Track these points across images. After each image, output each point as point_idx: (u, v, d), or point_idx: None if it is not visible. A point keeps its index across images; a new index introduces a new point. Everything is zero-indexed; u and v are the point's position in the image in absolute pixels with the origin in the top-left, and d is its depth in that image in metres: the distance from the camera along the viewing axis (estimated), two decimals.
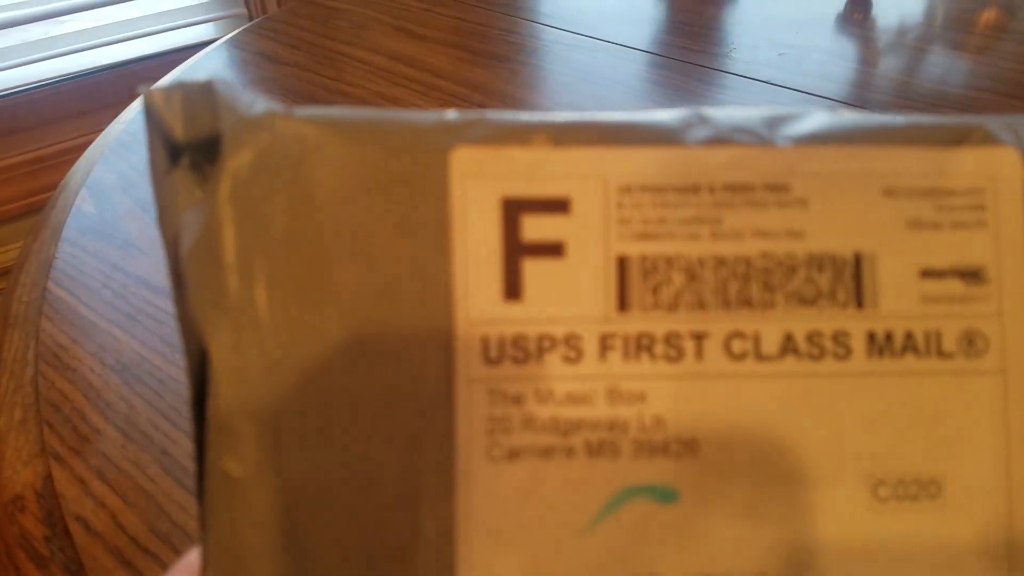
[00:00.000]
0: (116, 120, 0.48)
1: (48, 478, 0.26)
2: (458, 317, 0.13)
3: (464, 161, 0.13)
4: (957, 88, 0.47)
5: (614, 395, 0.13)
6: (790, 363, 0.13)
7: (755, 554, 0.13)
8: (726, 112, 0.14)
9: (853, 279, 0.13)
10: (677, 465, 0.13)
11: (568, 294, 0.13)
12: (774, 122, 0.14)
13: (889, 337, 0.13)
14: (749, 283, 0.13)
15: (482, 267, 0.13)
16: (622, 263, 0.13)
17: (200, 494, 0.12)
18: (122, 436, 0.28)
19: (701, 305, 0.13)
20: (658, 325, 0.13)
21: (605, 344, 0.13)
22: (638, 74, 0.50)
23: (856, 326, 0.13)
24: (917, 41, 0.53)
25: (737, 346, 0.13)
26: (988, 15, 0.57)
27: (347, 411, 0.12)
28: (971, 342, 0.13)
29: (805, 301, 0.13)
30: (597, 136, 0.13)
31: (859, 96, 0.46)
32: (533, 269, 0.13)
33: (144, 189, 0.41)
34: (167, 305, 0.33)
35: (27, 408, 0.29)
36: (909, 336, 0.13)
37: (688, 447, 0.13)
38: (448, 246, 0.13)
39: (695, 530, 0.13)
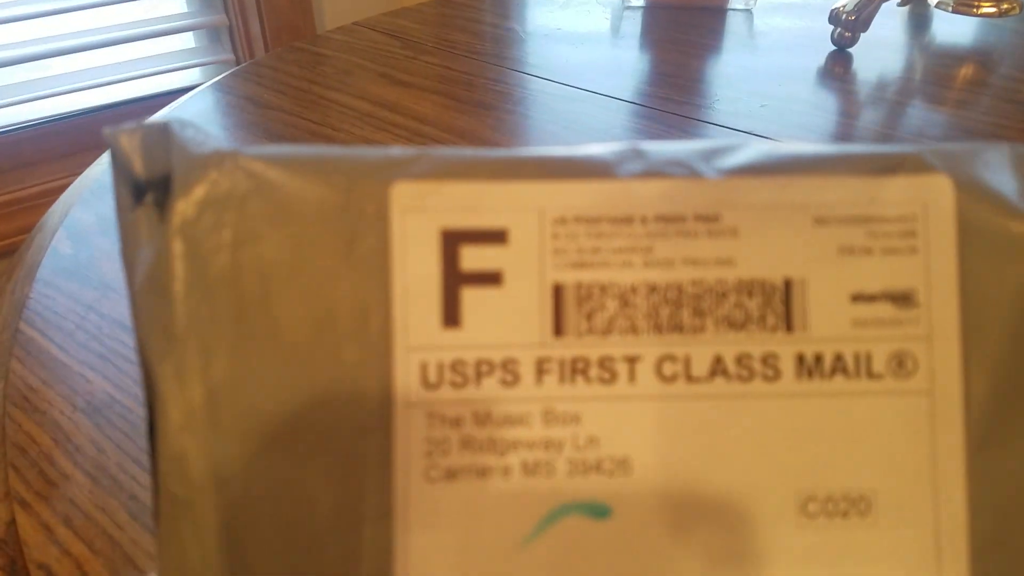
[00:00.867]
0: (97, 162, 0.48)
1: (12, 524, 0.25)
2: (397, 344, 0.13)
3: (404, 195, 0.13)
4: (936, 140, 0.48)
5: (550, 416, 0.13)
6: (720, 385, 0.13)
7: (685, 568, 0.13)
8: (661, 146, 0.14)
9: (783, 304, 0.13)
10: (610, 483, 0.13)
11: (506, 320, 0.13)
12: (709, 155, 0.14)
13: (819, 359, 0.13)
14: (680, 309, 0.13)
15: (421, 296, 0.13)
16: (557, 291, 0.13)
17: (155, 515, 0.13)
18: (90, 481, 0.26)
19: (634, 330, 0.13)
20: (592, 349, 0.13)
21: (541, 368, 0.13)
22: (622, 124, 0.50)
23: (785, 349, 0.13)
24: (897, 95, 0.54)
25: (668, 369, 0.13)
26: (966, 70, 0.58)
27: (287, 434, 0.13)
28: (901, 363, 0.13)
29: (735, 325, 0.13)
30: (533, 170, 0.14)
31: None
32: (471, 297, 0.13)
33: None
34: None
35: None
36: (839, 358, 0.13)
37: (621, 466, 0.13)
38: (388, 276, 0.13)
39: (628, 546, 0.13)
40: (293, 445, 0.13)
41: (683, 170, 0.14)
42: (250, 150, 0.13)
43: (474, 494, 0.13)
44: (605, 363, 0.13)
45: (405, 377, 0.13)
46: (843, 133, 0.49)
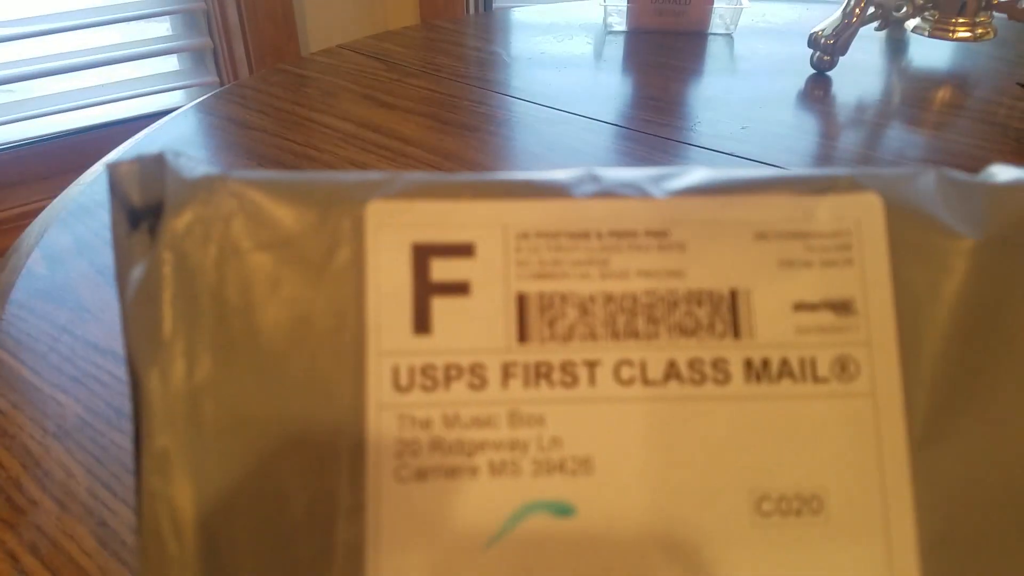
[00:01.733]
0: (76, 183, 0.47)
1: None
2: (370, 349, 0.14)
3: (378, 213, 0.14)
4: (915, 162, 0.48)
5: (515, 418, 0.14)
6: (674, 387, 0.14)
7: (647, 564, 0.13)
8: (616, 171, 0.15)
9: (730, 312, 0.14)
10: (574, 482, 0.14)
11: (473, 328, 0.14)
12: (658, 179, 0.15)
13: (766, 363, 0.14)
14: (635, 316, 0.14)
15: (394, 304, 0.14)
16: (521, 300, 0.14)
17: (137, 512, 0.13)
18: (59, 507, 0.26)
19: (593, 336, 0.14)
20: (555, 355, 0.14)
21: (507, 372, 0.14)
22: (605, 146, 0.50)
23: (734, 354, 0.14)
24: (876, 117, 0.55)
25: (626, 372, 0.14)
26: (943, 93, 0.59)
27: (265, 434, 0.13)
28: (844, 367, 0.14)
29: (686, 332, 0.14)
30: (498, 191, 0.15)
31: (815, 166, 0.47)
32: (441, 306, 0.14)
33: (101, 253, 0.40)
34: (115, 369, 0.32)
35: None
36: (785, 362, 0.14)
37: (584, 465, 0.14)
38: (362, 286, 0.14)
39: (591, 543, 0.13)
40: (270, 444, 0.13)
41: (634, 191, 0.15)
42: (237, 174, 0.14)
43: (443, 493, 0.13)
44: (567, 367, 0.14)
45: (377, 380, 0.14)
46: (824, 154, 0.49)
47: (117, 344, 0.33)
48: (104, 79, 1.00)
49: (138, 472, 0.13)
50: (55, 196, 0.48)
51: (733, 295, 0.14)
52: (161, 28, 1.03)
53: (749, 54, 0.67)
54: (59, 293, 0.36)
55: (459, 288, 0.14)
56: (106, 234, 0.41)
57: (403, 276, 0.14)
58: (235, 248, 0.14)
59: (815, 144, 0.51)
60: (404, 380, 0.14)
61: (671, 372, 0.14)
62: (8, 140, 0.94)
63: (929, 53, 0.67)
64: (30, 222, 0.47)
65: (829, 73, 0.63)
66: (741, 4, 0.72)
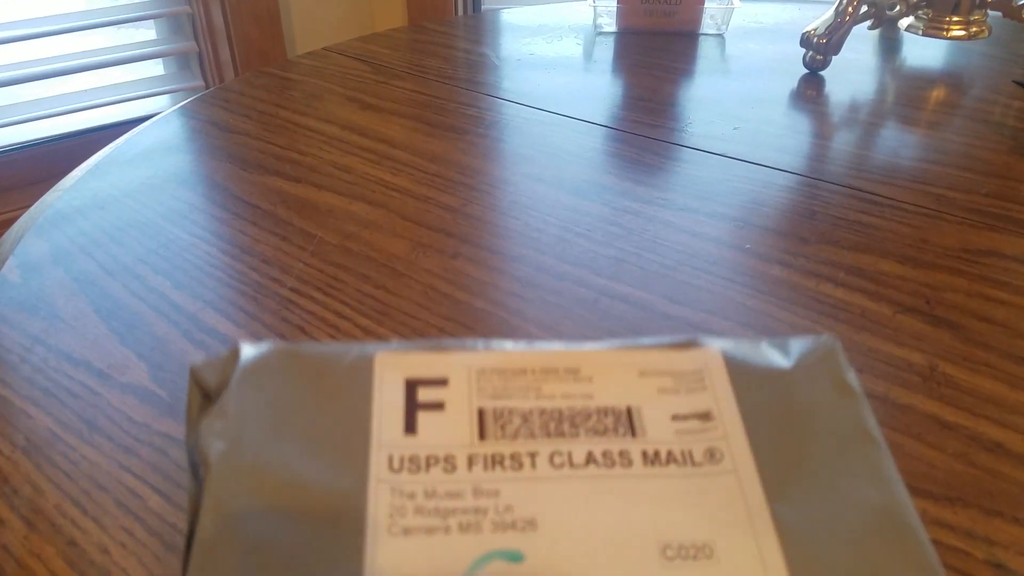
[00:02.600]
0: (54, 189, 0.46)
1: None
2: (372, 442, 0.20)
3: (384, 360, 0.22)
4: (910, 161, 0.47)
5: (478, 492, 0.19)
6: (592, 469, 0.20)
7: None
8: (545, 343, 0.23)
9: (627, 421, 0.21)
10: (522, 537, 0.18)
11: (446, 431, 0.20)
12: (571, 344, 0.23)
13: (657, 454, 0.20)
14: (562, 423, 0.21)
15: (391, 416, 0.20)
16: (481, 412, 0.21)
17: (185, 556, 0.18)
18: (26, 526, 0.25)
19: (532, 435, 0.20)
20: (506, 448, 0.20)
21: (471, 460, 0.20)
22: (596, 147, 0.50)
23: (633, 447, 0.20)
24: (870, 116, 0.54)
25: (557, 460, 0.20)
26: (938, 92, 0.58)
27: (293, 497, 0.19)
28: (712, 455, 0.20)
29: (598, 433, 0.20)
30: (462, 347, 0.22)
31: (814, 168, 0.46)
32: (424, 417, 0.21)
33: (78, 261, 0.38)
34: (88, 379, 0.31)
35: None
36: (670, 453, 0.20)
37: (530, 524, 0.18)
38: (369, 405, 0.21)
39: None
40: (296, 505, 0.18)
41: (557, 345, 0.23)
42: (282, 344, 0.22)
43: (424, 545, 0.18)
44: (515, 457, 0.20)
45: (377, 463, 0.19)
46: (817, 154, 0.48)
47: (91, 355, 0.32)
48: (89, 84, 0.98)
49: (193, 518, 0.19)
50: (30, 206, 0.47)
51: (629, 410, 0.21)
52: (146, 33, 1.02)
53: (741, 54, 0.67)
54: (33, 302, 0.35)
55: (437, 406, 0.21)
56: (83, 241, 0.40)
57: (398, 398, 0.21)
58: (284, 383, 0.21)
59: (808, 144, 0.50)
60: (396, 464, 0.19)
61: (590, 459, 0.20)
62: None
63: (923, 52, 0.67)
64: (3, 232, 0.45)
65: (822, 73, 0.62)
66: (732, 4, 0.71)
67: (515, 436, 0.20)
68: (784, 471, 0.20)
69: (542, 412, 0.21)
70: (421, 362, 0.22)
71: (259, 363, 0.21)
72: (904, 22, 0.66)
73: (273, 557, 0.18)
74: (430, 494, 0.19)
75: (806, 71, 0.62)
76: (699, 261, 0.37)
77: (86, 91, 0.98)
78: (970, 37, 0.62)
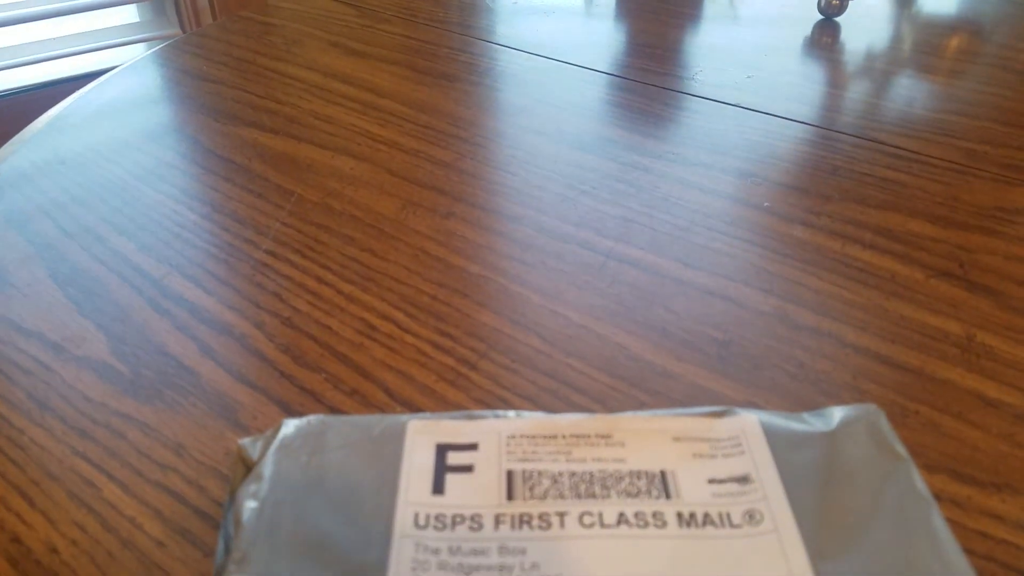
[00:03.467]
0: (10, 143, 0.43)
1: None
2: (399, 500, 0.20)
3: (416, 426, 0.22)
4: (935, 112, 0.44)
5: (504, 550, 0.19)
6: (624, 530, 0.19)
7: None
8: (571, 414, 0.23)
9: (661, 484, 0.21)
10: None
11: (474, 492, 0.20)
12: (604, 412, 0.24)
13: (692, 516, 0.20)
14: (592, 484, 0.21)
15: (420, 477, 0.21)
16: (509, 474, 0.21)
17: None
18: None
19: (562, 496, 0.20)
20: (534, 509, 0.20)
21: (498, 520, 0.20)
22: (600, 97, 0.46)
23: (668, 509, 0.20)
24: (887, 65, 0.51)
25: (587, 519, 0.20)
26: (957, 40, 0.55)
27: (323, 548, 0.19)
28: (751, 517, 0.20)
29: (631, 495, 0.20)
30: (492, 414, 0.23)
31: (834, 120, 0.43)
32: (452, 479, 0.21)
33: (35, 222, 0.35)
34: (40, 353, 0.28)
35: None
36: (707, 516, 0.20)
37: None
38: (399, 467, 0.21)
39: None
40: (320, 558, 0.19)
41: (588, 411, 0.24)
42: (321, 416, 0.23)
43: None
44: (543, 517, 0.20)
45: (403, 519, 0.20)
46: (836, 105, 0.45)
47: (45, 325, 0.29)
48: (57, 32, 0.93)
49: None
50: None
51: (663, 473, 0.21)
52: None
53: None
54: None
55: (466, 468, 0.21)
56: (42, 200, 0.36)
57: (428, 461, 0.21)
58: (320, 447, 0.22)
59: (826, 94, 0.46)
60: (422, 521, 0.20)
61: (621, 519, 0.20)
62: None
63: None
64: None
65: (838, 19, 0.58)
66: None
67: (544, 496, 0.20)
68: (829, 532, 0.19)
69: (572, 474, 0.21)
70: (453, 429, 0.22)
71: (297, 433, 0.22)
72: None
73: None
74: (455, 551, 0.19)
75: (821, 17, 0.59)
76: (714, 221, 0.34)
77: (54, 40, 0.92)
78: None
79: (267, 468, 0.21)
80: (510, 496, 0.20)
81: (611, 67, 0.50)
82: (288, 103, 0.45)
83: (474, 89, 0.47)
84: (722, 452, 0.21)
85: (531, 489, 0.20)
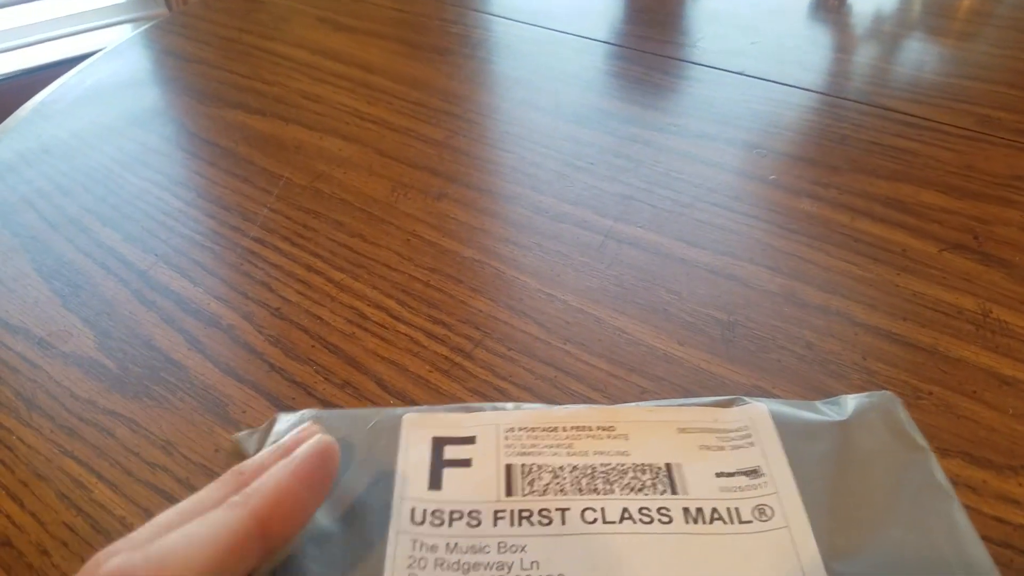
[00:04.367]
0: None
1: None
2: (395, 496, 0.20)
3: (411, 419, 0.22)
4: (946, 77, 0.42)
5: (503, 547, 0.18)
6: (628, 526, 0.19)
7: None
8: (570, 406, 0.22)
9: (667, 477, 0.20)
10: None
11: (471, 487, 0.20)
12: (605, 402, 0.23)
13: (700, 511, 0.19)
14: (595, 479, 0.20)
15: (416, 472, 0.20)
16: (508, 469, 0.20)
17: None
18: None
19: (563, 491, 0.20)
20: (534, 504, 0.19)
21: (497, 516, 0.19)
22: (598, 67, 0.45)
23: (674, 504, 0.19)
24: (897, 27, 0.49)
25: (589, 515, 0.19)
26: (969, 1, 0.53)
27: (324, 542, 0.19)
28: (762, 512, 0.19)
29: (635, 489, 0.20)
30: (490, 407, 0.22)
31: (841, 86, 0.42)
32: (449, 474, 0.20)
33: (21, 214, 0.34)
34: (26, 350, 0.27)
35: None
36: (715, 511, 0.19)
37: None
38: (394, 461, 0.21)
39: None
40: (316, 556, 0.19)
41: (587, 400, 0.24)
42: (315, 410, 0.23)
43: None
44: (543, 512, 0.19)
45: (399, 515, 0.19)
46: (844, 71, 0.43)
47: (31, 321, 0.28)
48: (41, 16, 0.91)
49: None
50: None
51: (668, 467, 0.20)
52: None
53: None
54: None
55: (463, 462, 0.21)
56: (26, 191, 0.36)
57: (424, 455, 0.21)
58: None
59: (833, 60, 0.45)
60: (419, 517, 0.19)
61: (625, 515, 0.19)
62: None
63: None
64: None
65: None
66: None
67: (544, 491, 0.20)
68: (843, 528, 0.19)
69: (573, 468, 0.20)
70: (449, 422, 0.22)
71: (291, 428, 0.21)
72: None
73: None
74: (452, 547, 0.18)
75: None
76: (718, 196, 0.33)
77: (38, 24, 0.91)
78: None
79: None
80: (509, 491, 0.20)
81: (609, 35, 0.48)
82: (275, 82, 0.44)
83: (467, 62, 0.45)
84: (730, 444, 0.21)
85: (531, 484, 0.20)
